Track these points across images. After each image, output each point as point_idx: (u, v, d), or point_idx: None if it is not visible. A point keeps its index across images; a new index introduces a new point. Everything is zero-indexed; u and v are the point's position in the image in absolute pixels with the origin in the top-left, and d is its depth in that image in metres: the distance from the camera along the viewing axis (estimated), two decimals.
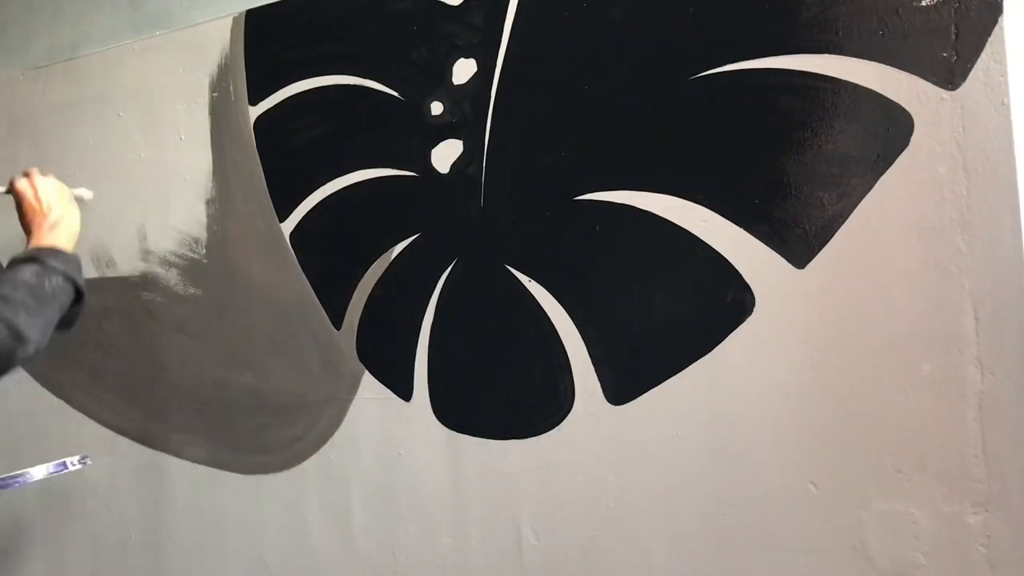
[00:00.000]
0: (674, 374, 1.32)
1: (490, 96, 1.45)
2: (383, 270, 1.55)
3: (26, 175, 1.34)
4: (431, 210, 1.51)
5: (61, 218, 1.32)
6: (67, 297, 1.24)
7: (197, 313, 1.76)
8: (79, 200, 1.46)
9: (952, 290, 1.14)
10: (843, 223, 1.20)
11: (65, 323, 1.25)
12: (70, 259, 1.27)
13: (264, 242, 1.67)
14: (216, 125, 1.71)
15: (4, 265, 1.28)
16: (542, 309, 1.41)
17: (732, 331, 1.27)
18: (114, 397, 1.87)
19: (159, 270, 1.79)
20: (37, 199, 1.34)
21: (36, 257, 1.23)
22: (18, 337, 1.14)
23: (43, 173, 1.31)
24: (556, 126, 1.40)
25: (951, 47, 1.12)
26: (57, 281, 1.23)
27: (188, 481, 1.78)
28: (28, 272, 1.20)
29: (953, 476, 1.15)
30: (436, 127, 1.50)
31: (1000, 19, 1.10)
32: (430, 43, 1.49)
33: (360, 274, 1.57)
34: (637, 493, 1.35)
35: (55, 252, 1.25)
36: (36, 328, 1.17)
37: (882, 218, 1.17)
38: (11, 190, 1.34)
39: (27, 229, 1.34)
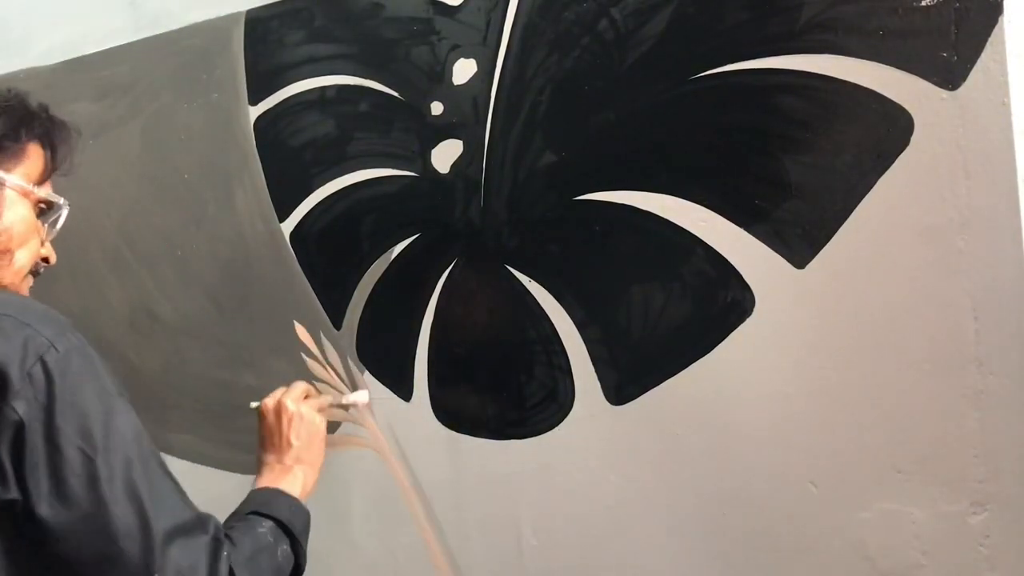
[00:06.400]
0: (674, 374, 1.31)
1: (490, 96, 1.45)
2: (383, 270, 1.55)
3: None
4: (431, 210, 1.51)
5: (298, 461, 1.18)
6: (288, 567, 1.09)
7: (197, 313, 1.76)
8: (350, 406, 1.39)
9: (952, 290, 1.14)
10: (843, 223, 1.20)
11: None
12: (306, 522, 1.13)
13: (264, 242, 1.67)
14: (216, 125, 1.71)
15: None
16: (542, 309, 1.41)
17: (732, 331, 1.27)
18: None
19: (159, 270, 1.79)
20: (278, 422, 1.20)
21: (274, 515, 1.09)
22: None
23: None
24: (556, 126, 1.40)
25: (951, 47, 1.12)
26: (285, 550, 1.08)
27: (188, 481, 1.76)
28: (265, 533, 1.07)
29: (953, 476, 1.14)
30: (436, 127, 1.50)
31: (1000, 19, 1.10)
32: (430, 43, 1.49)
33: (360, 274, 1.57)
34: (637, 493, 1.35)
35: (296, 508, 1.12)
36: None
37: (882, 218, 1.17)
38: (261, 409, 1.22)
39: (263, 446, 1.21)
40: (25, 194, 0.98)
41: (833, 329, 1.21)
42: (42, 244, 1.03)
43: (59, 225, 1.04)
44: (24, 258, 0.99)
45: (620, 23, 1.34)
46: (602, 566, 1.38)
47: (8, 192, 0.96)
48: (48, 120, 1.03)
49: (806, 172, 1.22)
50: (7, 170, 0.96)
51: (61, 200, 1.03)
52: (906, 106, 1.15)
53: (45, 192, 1.01)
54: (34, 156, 1.00)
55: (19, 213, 0.97)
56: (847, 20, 1.18)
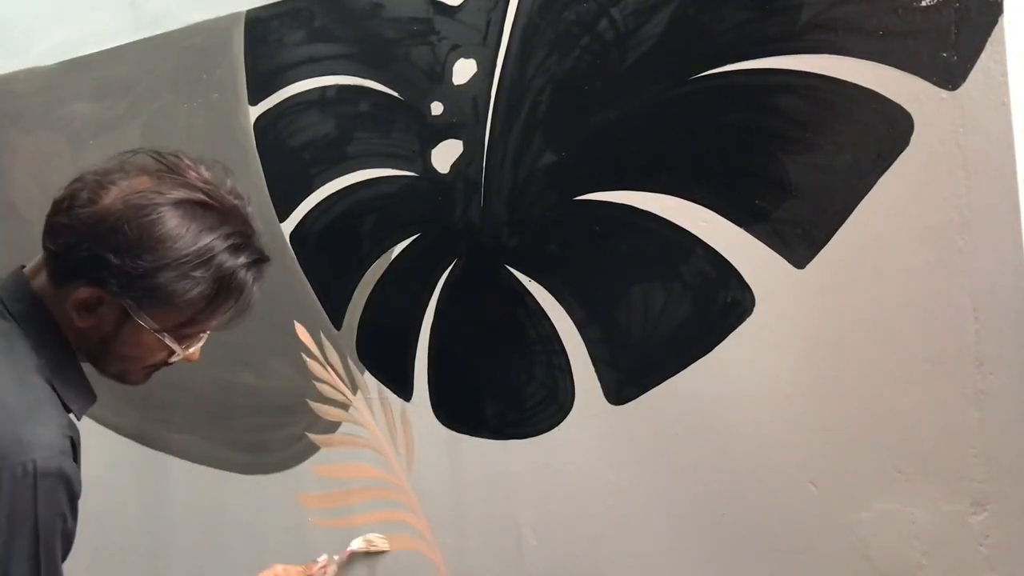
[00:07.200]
0: (674, 374, 1.31)
1: (490, 96, 1.45)
2: (383, 270, 1.55)
3: None
4: (431, 210, 1.51)
5: None
6: None
7: None
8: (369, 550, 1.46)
9: (952, 290, 1.14)
10: (843, 223, 1.20)
11: None
12: None
13: (264, 242, 1.67)
14: (216, 125, 1.71)
15: None
16: (542, 309, 1.41)
17: (732, 331, 1.27)
18: (114, 397, 1.87)
19: None
20: None
21: None
22: None
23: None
24: (556, 126, 1.40)
25: (951, 47, 1.12)
26: None
27: (188, 481, 1.78)
28: None
29: (953, 476, 1.14)
30: (436, 127, 1.50)
31: (1000, 19, 1.10)
32: (430, 43, 1.49)
33: (360, 274, 1.57)
34: (637, 493, 1.35)
35: None
36: None
37: (882, 218, 1.17)
38: None
39: None
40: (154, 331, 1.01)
41: (833, 329, 1.21)
42: (170, 354, 1.06)
43: (194, 348, 1.07)
44: (137, 367, 1.07)
45: (620, 23, 1.34)
46: (602, 565, 1.38)
47: (138, 323, 0.99)
48: (241, 301, 1.05)
49: (806, 172, 1.22)
50: (144, 310, 0.98)
51: (180, 351, 1.05)
52: (906, 106, 1.15)
53: (170, 341, 1.03)
54: (186, 311, 1.01)
55: (142, 341, 1.02)
56: (847, 20, 1.18)
